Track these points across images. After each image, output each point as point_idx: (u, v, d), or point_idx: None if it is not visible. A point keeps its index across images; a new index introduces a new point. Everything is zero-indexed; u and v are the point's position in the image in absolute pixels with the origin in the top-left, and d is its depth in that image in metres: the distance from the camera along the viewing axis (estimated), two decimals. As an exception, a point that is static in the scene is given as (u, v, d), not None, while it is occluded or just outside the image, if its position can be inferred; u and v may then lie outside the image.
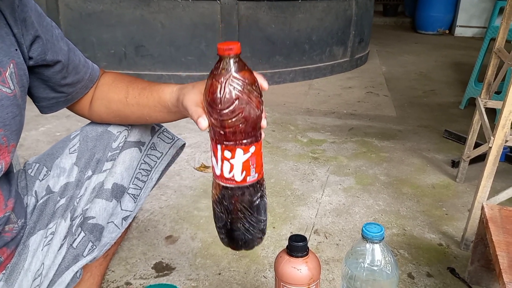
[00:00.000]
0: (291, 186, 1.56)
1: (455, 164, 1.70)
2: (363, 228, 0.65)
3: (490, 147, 1.12)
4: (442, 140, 2.01)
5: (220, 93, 0.57)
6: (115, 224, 0.77)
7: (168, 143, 0.84)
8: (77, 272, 0.73)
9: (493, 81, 1.47)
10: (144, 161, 0.81)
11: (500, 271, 0.77)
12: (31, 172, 0.78)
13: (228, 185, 0.64)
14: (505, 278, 0.74)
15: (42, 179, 0.77)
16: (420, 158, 1.81)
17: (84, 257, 0.74)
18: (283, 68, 2.98)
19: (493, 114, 1.98)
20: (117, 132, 0.78)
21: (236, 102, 0.57)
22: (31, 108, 0.73)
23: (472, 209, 1.17)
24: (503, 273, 0.76)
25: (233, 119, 0.59)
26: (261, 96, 0.61)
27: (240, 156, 0.62)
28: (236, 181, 0.63)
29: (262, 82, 0.59)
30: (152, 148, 0.82)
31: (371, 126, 2.20)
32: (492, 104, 1.48)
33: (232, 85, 0.57)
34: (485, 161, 1.14)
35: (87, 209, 0.75)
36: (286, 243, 0.77)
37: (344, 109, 2.48)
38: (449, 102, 2.61)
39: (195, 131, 2.00)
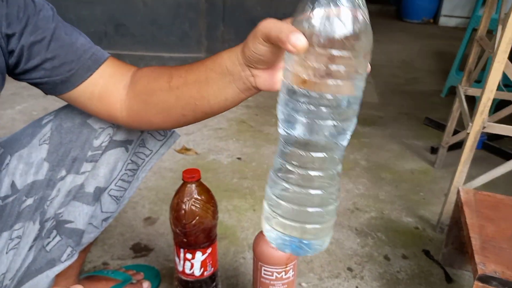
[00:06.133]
0: (272, 169, 1.56)
1: (434, 150, 1.73)
2: None
3: (468, 133, 1.14)
4: (422, 127, 2.04)
5: (184, 211, 0.75)
6: (94, 226, 0.72)
7: (159, 140, 0.76)
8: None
9: (474, 69, 1.49)
10: (131, 160, 0.73)
11: (472, 253, 0.78)
12: None
13: (189, 279, 0.82)
14: (476, 259, 0.76)
15: (3, 169, 0.67)
16: (400, 144, 1.84)
17: (62, 262, 0.69)
18: (268, 52, 2.95)
19: (472, 103, 2.00)
20: (100, 128, 0.68)
21: (197, 217, 0.75)
22: (7, 87, 0.68)
23: (448, 194, 1.20)
24: (475, 254, 0.77)
25: (194, 230, 0.76)
26: (216, 209, 0.78)
27: (199, 257, 0.80)
28: (195, 276, 0.82)
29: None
30: (140, 145, 0.74)
31: (353, 112, 2.21)
32: (472, 91, 1.50)
33: (194, 205, 0.75)
34: (463, 147, 1.16)
35: (61, 212, 0.68)
36: (265, 223, 0.77)
37: (327, 94, 2.48)
38: (430, 90, 2.64)
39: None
